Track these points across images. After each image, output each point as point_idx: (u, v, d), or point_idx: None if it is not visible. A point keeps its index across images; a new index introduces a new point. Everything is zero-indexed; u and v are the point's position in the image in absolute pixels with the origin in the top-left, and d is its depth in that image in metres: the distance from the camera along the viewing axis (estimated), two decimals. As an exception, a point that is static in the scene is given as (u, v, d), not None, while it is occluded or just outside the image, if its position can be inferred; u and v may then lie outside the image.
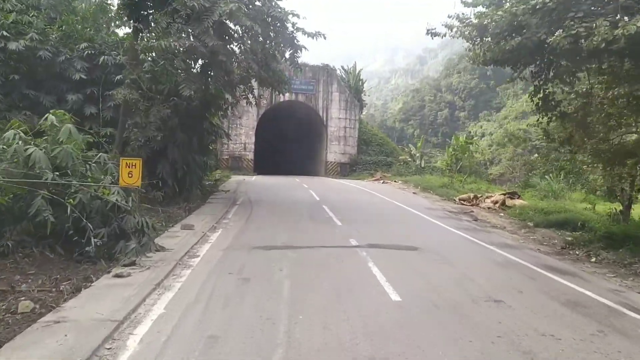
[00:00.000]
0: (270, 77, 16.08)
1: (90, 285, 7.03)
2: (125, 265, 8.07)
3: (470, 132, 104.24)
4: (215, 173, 29.38)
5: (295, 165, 49.15)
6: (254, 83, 17.93)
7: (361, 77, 47.91)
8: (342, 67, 49.14)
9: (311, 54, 17.99)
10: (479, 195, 21.17)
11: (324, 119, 42.39)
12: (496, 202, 19.40)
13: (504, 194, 20.46)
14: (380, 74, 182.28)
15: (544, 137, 13.93)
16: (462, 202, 20.72)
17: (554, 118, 11.79)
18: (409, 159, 40.85)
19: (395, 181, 32.92)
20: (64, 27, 18.02)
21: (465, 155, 35.96)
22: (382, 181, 34.04)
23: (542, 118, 12.23)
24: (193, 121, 17.11)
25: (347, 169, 42.31)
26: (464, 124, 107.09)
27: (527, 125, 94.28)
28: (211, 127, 19.19)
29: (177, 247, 9.59)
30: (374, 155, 43.53)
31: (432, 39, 11.64)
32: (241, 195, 20.33)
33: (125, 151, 15.15)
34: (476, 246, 11.34)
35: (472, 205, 19.98)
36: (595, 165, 17.27)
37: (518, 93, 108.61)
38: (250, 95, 18.04)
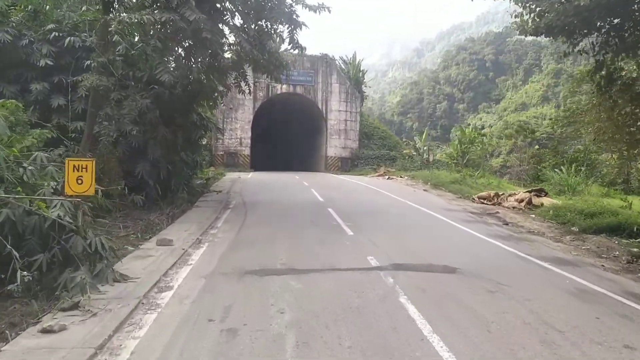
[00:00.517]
0: (266, 60, 13.59)
1: (-2, 351, 4.66)
2: (64, 309, 5.70)
3: (469, 124, 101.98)
4: (208, 171, 27.04)
5: (294, 160, 46.81)
6: (248, 69, 15.47)
7: (361, 68, 45.43)
8: (342, 57, 46.66)
9: (308, 37, 15.45)
10: (500, 193, 18.81)
11: (324, 111, 39.94)
12: (521, 201, 17.05)
13: (530, 192, 18.09)
14: (377, 68, 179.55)
15: (609, 128, 11.20)
16: (482, 200, 18.36)
17: (619, 101, 9.40)
18: (414, 153, 38.44)
19: (401, 177, 30.56)
20: (29, 7, 15.51)
21: (476, 147, 33.55)
22: (387, 177, 31.68)
23: (605, 101, 9.82)
24: (177, 113, 14.73)
25: (349, 164, 39.92)
26: (463, 116, 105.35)
27: (526, 117, 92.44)
28: (200, 120, 16.74)
29: (145, 275, 7.21)
30: (376, 150, 41.11)
31: (472, 0, 9.25)
32: (234, 197, 17.93)
33: (96, 149, 12.74)
34: (526, 263, 8.97)
35: (493, 204, 17.62)
36: (625, 156, 15.00)
37: (517, 84, 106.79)
38: (242, 83, 15.59)
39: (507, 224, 13.40)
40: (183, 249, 9.01)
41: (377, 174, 34.88)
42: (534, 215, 15.08)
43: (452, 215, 14.53)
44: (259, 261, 8.26)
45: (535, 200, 16.97)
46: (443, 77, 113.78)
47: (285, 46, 15.22)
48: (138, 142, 13.38)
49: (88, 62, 13.79)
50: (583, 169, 28.23)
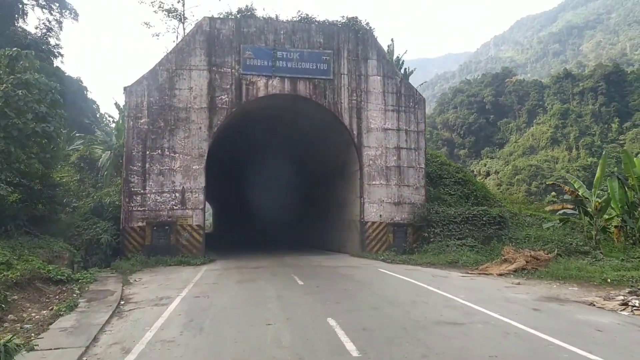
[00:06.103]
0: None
1: None
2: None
3: (473, 170, 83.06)
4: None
5: (294, 231, 24.00)
6: None
7: (403, 64, 23.93)
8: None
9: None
10: None
11: (354, 130, 17.72)
12: None
13: None
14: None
15: None
16: None
17: None
18: (571, 209, 15.95)
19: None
20: None
21: None
22: (584, 298, 9.08)
23: None
24: None
25: (409, 238, 17.41)
26: (464, 162, 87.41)
27: (537, 161, 71.85)
28: None
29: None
30: (455, 205, 18.75)
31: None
32: None
33: None
34: None
35: None
36: None
37: (521, 127, 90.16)
38: None
39: None
40: None
41: (508, 267, 12.38)
42: None
43: None
44: None
45: None
46: (440, 121, 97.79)
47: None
48: None
49: None
50: None
